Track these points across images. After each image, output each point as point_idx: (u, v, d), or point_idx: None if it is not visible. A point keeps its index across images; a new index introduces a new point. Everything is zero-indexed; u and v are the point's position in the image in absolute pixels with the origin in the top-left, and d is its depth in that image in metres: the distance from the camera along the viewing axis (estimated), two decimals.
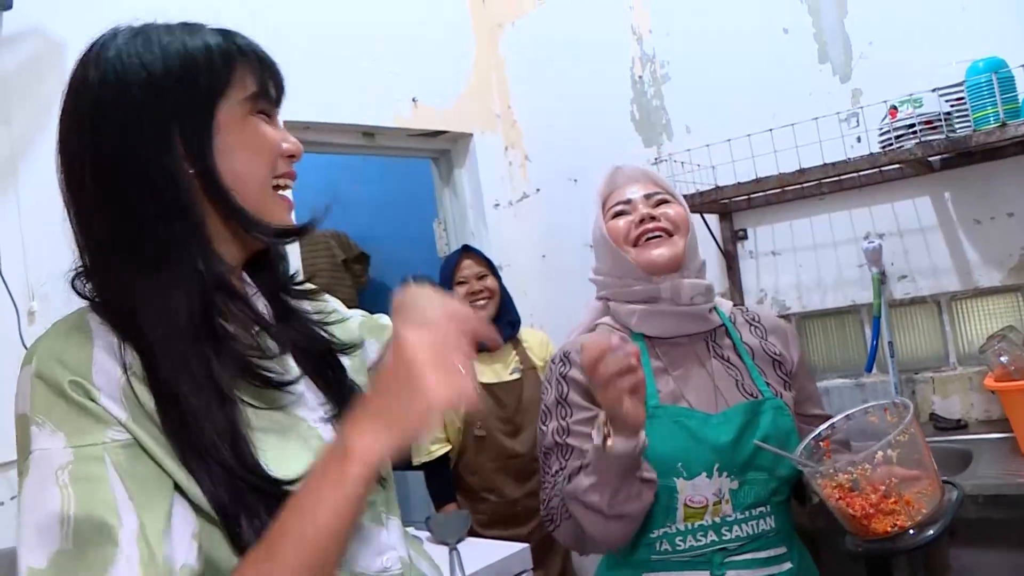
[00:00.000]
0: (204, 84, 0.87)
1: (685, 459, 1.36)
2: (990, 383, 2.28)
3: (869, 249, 2.61)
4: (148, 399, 0.80)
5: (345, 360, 1.04)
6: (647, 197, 1.55)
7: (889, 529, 1.21)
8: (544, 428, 1.47)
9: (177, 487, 0.79)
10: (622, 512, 1.29)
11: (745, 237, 2.98)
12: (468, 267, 2.76)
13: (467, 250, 2.84)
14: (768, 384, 1.48)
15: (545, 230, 3.52)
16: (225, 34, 0.92)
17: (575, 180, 3.38)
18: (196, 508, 0.80)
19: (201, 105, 0.87)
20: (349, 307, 1.19)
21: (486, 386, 2.69)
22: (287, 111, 0.99)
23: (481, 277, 2.76)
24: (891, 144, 2.37)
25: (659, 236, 1.50)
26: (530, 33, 3.54)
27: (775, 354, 1.54)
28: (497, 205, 3.55)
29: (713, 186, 2.74)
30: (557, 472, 1.42)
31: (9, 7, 2.04)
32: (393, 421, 0.75)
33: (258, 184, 0.91)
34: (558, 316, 3.21)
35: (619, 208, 1.55)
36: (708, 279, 1.56)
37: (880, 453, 1.22)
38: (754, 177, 2.64)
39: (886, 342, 2.59)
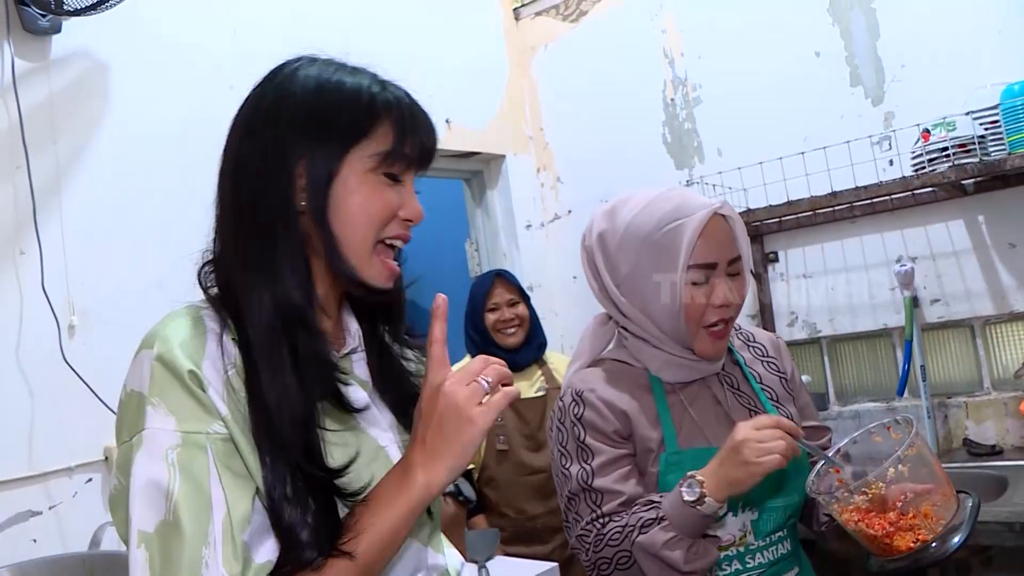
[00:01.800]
0: (342, 125, 0.93)
1: None
2: None
3: (901, 272, 2.59)
4: (242, 390, 0.87)
5: None
6: (730, 263, 1.40)
7: (912, 545, 1.20)
8: (567, 472, 1.41)
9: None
10: (694, 568, 1.27)
11: (776, 260, 2.97)
12: (500, 294, 2.78)
13: (500, 275, 2.85)
14: (778, 406, 1.48)
15: (576, 252, 3.47)
16: (384, 85, 0.98)
17: (606, 202, 3.38)
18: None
19: (332, 148, 0.93)
20: None
21: None
22: None
23: (513, 304, 2.78)
24: (924, 167, 2.36)
25: (724, 327, 1.41)
26: (562, 56, 3.57)
27: (780, 372, 1.54)
28: (529, 226, 3.57)
29: (744, 208, 2.74)
30: (594, 520, 1.36)
31: (58, 31, 2.11)
32: (451, 450, 0.88)
33: (360, 241, 0.95)
34: None
35: (702, 274, 1.38)
36: None
37: (891, 470, 1.21)
38: (786, 200, 2.64)
39: (918, 366, 2.57)
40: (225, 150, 0.97)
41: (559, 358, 2.92)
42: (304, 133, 0.92)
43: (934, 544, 1.19)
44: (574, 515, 1.40)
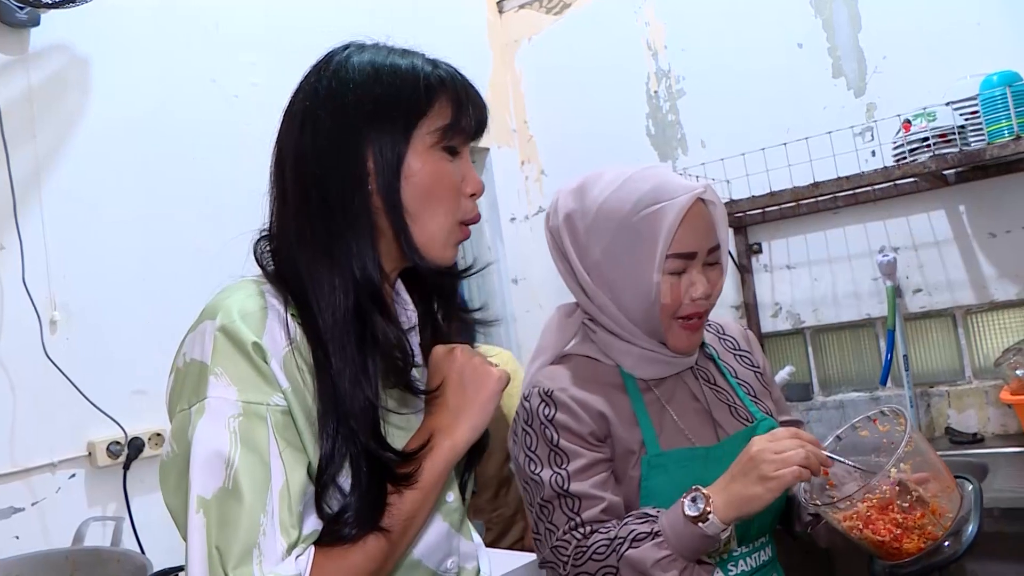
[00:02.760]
0: (404, 107, 0.95)
1: None
2: (1006, 396, 2.28)
3: (884, 262, 2.61)
4: (305, 369, 0.89)
5: None
6: (709, 252, 1.31)
7: (922, 545, 1.12)
8: (538, 478, 1.27)
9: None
10: None
11: (760, 251, 2.98)
12: None
13: None
14: (756, 401, 1.42)
15: None
16: (435, 64, 1.01)
17: None
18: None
19: (397, 130, 0.95)
20: None
21: None
22: None
23: None
24: (905, 158, 2.38)
25: (698, 320, 1.33)
26: (546, 49, 3.56)
27: (754, 366, 1.47)
28: (513, 219, 3.57)
29: (727, 200, 2.75)
30: (573, 529, 1.24)
31: (37, 24, 2.09)
32: (474, 408, 0.95)
33: (430, 216, 0.97)
34: None
35: (679, 264, 1.29)
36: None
37: (894, 471, 1.13)
38: (768, 191, 2.65)
39: (901, 355, 2.59)
40: (280, 141, 0.98)
41: (498, 354, 2.71)
42: (369, 118, 0.94)
43: (947, 543, 1.12)
44: (547, 525, 1.26)
